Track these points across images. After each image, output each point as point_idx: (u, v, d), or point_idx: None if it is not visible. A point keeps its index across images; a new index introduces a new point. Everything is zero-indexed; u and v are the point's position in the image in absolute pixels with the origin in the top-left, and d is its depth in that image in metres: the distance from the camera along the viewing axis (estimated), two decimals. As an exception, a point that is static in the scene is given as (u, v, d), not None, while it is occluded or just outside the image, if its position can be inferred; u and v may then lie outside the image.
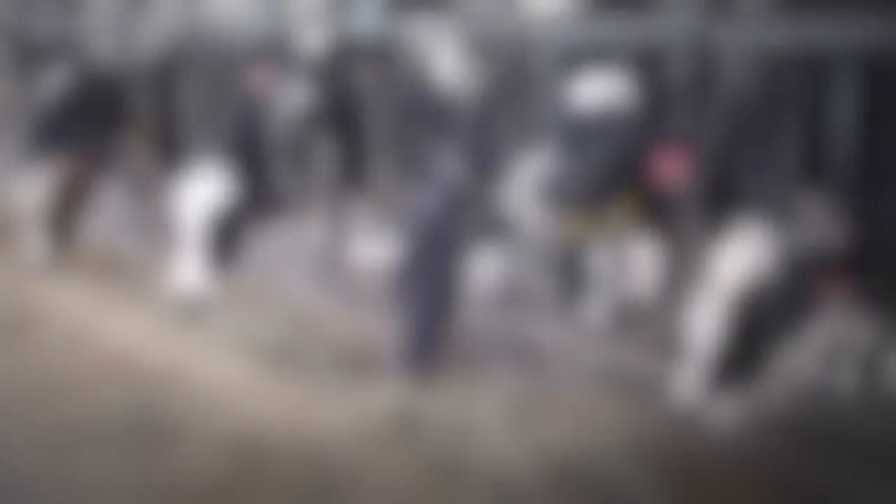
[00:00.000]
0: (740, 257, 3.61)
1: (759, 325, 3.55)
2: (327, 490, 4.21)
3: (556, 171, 4.52)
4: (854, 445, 3.99)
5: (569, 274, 5.37)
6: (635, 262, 7.18)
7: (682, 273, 4.78)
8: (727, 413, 3.64)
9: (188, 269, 6.06)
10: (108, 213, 8.48)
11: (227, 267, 6.18)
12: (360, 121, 6.12)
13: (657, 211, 4.53)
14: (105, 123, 7.39)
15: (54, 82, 7.29)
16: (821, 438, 4.09)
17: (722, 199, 4.44)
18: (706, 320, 3.68)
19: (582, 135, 4.46)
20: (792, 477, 4.16)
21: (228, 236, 6.08)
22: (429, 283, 4.90)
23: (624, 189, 4.40)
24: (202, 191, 6.11)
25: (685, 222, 4.50)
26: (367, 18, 6.05)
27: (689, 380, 3.65)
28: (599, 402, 4.83)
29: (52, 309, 6.24)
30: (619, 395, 4.79)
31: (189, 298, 6.05)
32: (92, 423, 5.13)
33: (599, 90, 4.38)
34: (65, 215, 7.83)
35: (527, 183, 4.84)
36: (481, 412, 4.59)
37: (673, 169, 4.21)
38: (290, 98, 5.64)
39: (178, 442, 4.79)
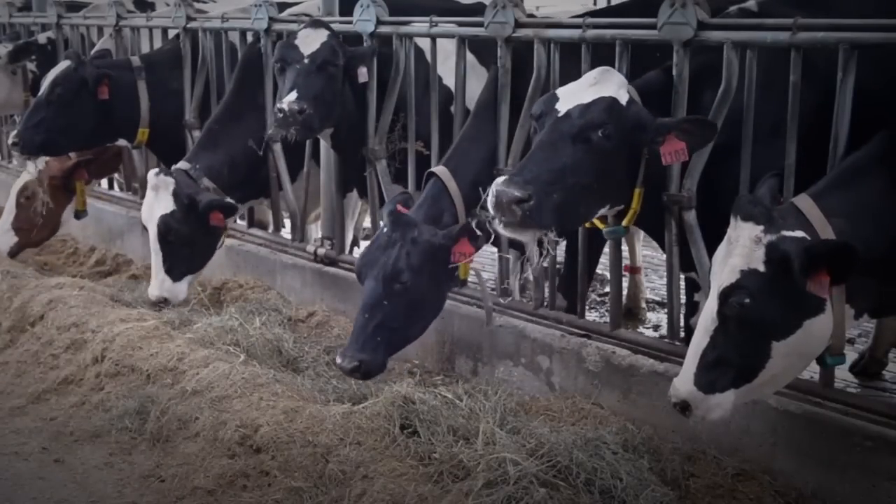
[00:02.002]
0: (730, 256, 3.64)
1: (749, 323, 3.60)
2: (327, 489, 4.20)
3: None
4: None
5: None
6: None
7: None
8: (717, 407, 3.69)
9: (153, 274, 6.30)
10: (109, 213, 8.50)
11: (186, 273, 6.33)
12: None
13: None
14: (102, 122, 7.39)
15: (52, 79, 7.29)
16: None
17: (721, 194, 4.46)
18: (703, 316, 3.73)
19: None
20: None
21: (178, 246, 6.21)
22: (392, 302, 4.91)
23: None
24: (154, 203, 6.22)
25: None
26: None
27: (685, 373, 3.69)
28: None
29: (52, 308, 6.23)
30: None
31: (156, 300, 6.25)
32: (92, 422, 5.15)
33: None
34: (41, 211, 7.85)
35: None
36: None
37: (674, 150, 4.22)
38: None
39: (179, 442, 4.79)
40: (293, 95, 5.62)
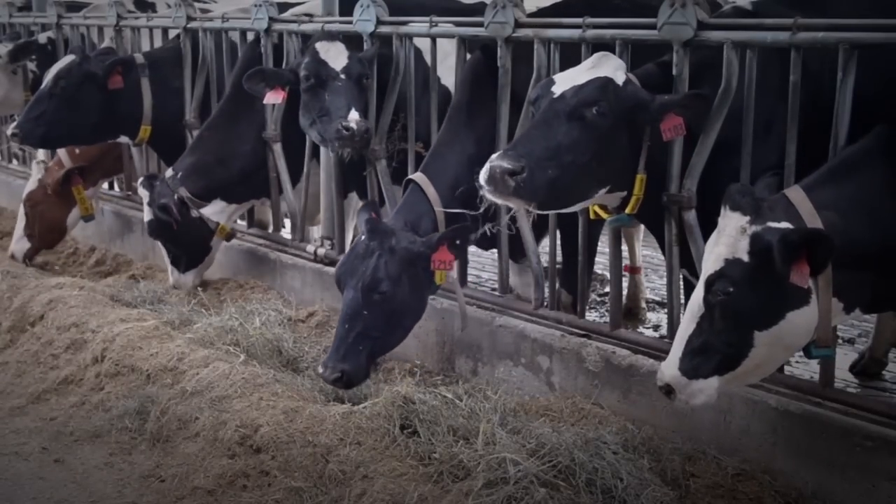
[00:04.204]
0: (716, 245, 3.70)
1: (732, 311, 3.64)
2: (327, 489, 4.20)
3: None
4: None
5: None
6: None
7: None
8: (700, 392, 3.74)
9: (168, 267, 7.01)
10: (109, 213, 8.49)
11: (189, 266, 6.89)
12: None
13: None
14: (105, 117, 7.40)
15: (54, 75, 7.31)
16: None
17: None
18: (691, 302, 3.79)
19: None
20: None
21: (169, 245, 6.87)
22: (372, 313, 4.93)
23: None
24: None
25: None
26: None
27: (671, 358, 3.77)
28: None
29: (52, 308, 6.23)
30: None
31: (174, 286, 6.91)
32: (92, 422, 5.14)
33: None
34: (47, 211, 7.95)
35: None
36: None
37: (673, 125, 4.30)
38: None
39: (179, 442, 4.79)
40: (356, 115, 5.73)
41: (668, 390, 3.79)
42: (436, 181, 5.20)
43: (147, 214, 6.71)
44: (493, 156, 4.22)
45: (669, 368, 3.78)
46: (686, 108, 4.29)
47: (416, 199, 5.21)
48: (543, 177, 4.17)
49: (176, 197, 6.58)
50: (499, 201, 4.33)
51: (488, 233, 5.30)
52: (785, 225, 3.63)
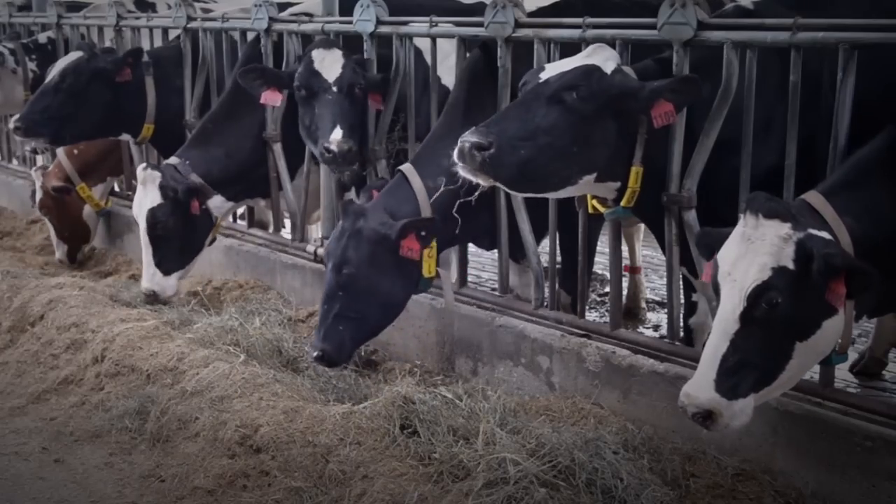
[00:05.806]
0: (754, 255, 3.52)
1: (777, 323, 3.49)
2: (327, 489, 4.20)
3: None
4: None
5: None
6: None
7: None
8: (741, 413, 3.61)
9: (144, 267, 6.42)
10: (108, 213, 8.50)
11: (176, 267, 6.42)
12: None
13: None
14: (108, 114, 7.39)
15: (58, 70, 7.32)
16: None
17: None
18: (720, 318, 3.59)
19: None
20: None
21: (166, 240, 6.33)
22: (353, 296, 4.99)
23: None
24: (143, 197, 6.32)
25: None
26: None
27: (702, 380, 3.56)
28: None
29: (52, 308, 6.23)
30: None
31: (146, 292, 6.36)
32: (92, 422, 5.15)
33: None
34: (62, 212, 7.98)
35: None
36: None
37: (663, 112, 4.30)
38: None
39: (179, 442, 4.79)
40: (339, 133, 5.69)
41: (706, 416, 3.54)
42: (423, 172, 5.21)
43: (154, 199, 6.20)
44: (466, 132, 4.23)
45: (705, 392, 3.52)
46: (676, 93, 4.28)
47: (398, 187, 5.22)
48: (513, 154, 4.18)
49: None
50: (469, 177, 4.32)
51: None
52: (825, 234, 3.53)
